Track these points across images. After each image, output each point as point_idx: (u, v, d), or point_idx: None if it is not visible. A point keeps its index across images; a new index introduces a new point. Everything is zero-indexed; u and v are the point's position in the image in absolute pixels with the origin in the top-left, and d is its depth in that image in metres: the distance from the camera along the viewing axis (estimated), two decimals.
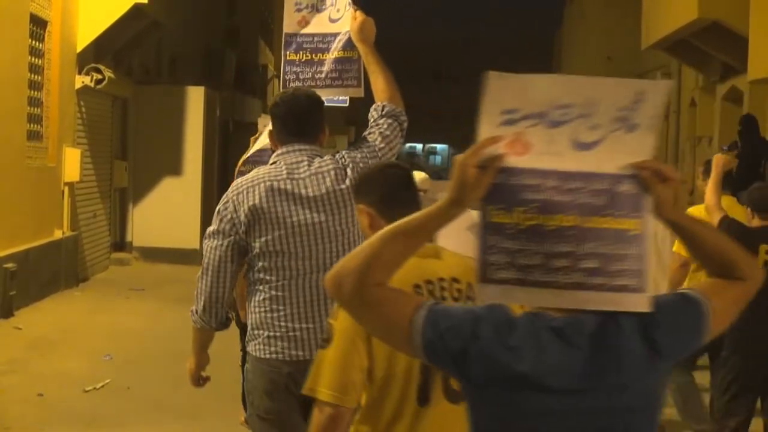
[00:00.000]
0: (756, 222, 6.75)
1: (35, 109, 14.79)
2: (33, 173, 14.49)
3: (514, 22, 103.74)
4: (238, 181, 4.49)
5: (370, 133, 4.44)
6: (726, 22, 13.83)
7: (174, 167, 19.91)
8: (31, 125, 14.60)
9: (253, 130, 8.92)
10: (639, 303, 2.39)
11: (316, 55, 4.42)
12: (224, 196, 4.52)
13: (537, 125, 2.37)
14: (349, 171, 4.25)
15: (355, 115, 36.47)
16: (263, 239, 4.34)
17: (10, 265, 13.04)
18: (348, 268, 2.44)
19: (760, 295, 4.81)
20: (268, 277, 4.41)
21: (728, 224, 6.59)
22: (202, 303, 4.58)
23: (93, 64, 16.58)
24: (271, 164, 4.45)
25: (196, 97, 20.25)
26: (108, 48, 17.43)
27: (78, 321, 13.19)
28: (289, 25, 4.58)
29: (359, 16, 4.36)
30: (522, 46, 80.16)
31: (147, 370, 10.29)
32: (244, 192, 4.37)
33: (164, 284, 16.71)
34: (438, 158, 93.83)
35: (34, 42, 14.65)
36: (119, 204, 19.86)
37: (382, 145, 4.35)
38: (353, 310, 2.54)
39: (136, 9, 16.47)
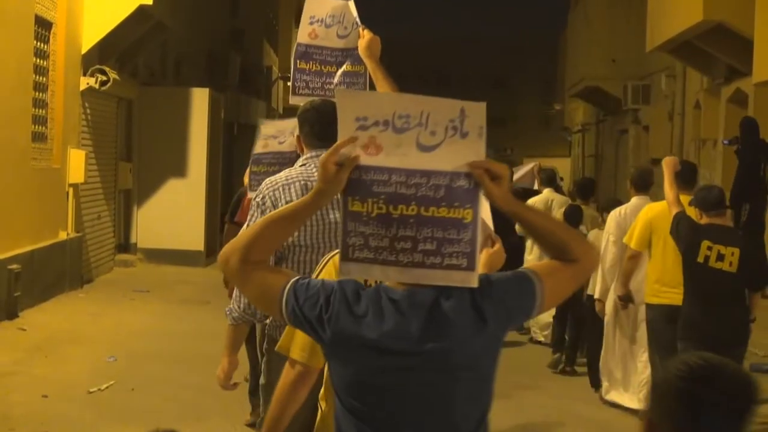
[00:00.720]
0: (704, 220, 7.40)
1: (40, 110, 14.82)
2: (37, 174, 14.51)
3: (519, 24, 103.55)
4: (271, 179, 4.69)
5: None
6: (731, 24, 13.83)
7: (178, 169, 19.94)
8: (36, 127, 14.63)
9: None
10: (467, 279, 2.85)
11: (324, 67, 4.74)
12: (258, 191, 4.71)
13: (385, 131, 2.82)
14: None
15: None
16: (296, 234, 4.47)
17: (14, 266, 13.05)
18: (234, 247, 2.91)
19: (700, 289, 6.01)
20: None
21: (679, 218, 7.39)
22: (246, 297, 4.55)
23: (98, 66, 16.61)
24: (301, 165, 4.67)
25: (200, 99, 20.29)
26: (113, 49, 17.47)
27: (82, 322, 13.20)
28: (302, 35, 4.81)
29: (367, 34, 4.68)
30: (527, 47, 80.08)
31: (151, 371, 10.29)
32: (280, 189, 4.59)
33: (169, 286, 16.76)
34: None
35: (38, 43, 14.68)
36: (124, 205, 19.89)
37: None
38: (238, 282, 3.02)
39: (140, 11, 16.51)
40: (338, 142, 2.82)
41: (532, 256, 11.64)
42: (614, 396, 9.37)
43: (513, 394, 9.45)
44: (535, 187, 14.05)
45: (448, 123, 2.82)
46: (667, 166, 7.79)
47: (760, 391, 2.47)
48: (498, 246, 3.53)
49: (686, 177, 8.21)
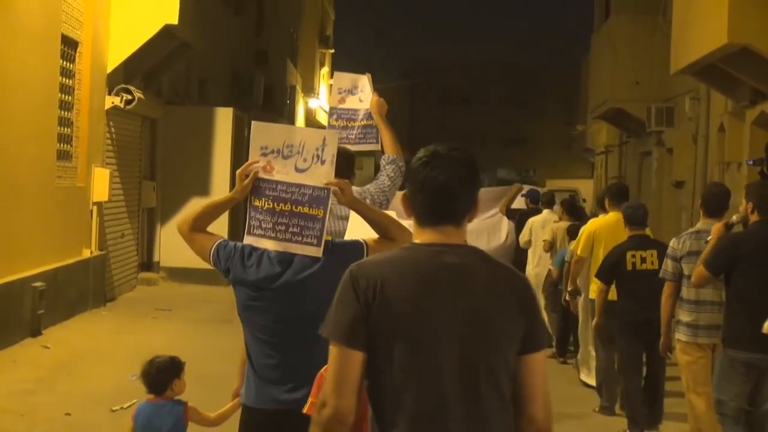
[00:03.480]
0: (628, 232, 9.34)
1: (65, 129, 14.90)
2: (62, 192, 14.58)
3: (542, 45, 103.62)
4: None
5: (380, 175, 5.96)
6: (756, 47, 13.74)
7: (202, 188, 19.97)
8: (61, 145, 14.71)
9: None
10: (316, 252, 4.56)
11: (349, 123, 6.16)
12: None
13: (277, 157, 4.60)
14: (368, 200, 5.62)
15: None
16: None
17: (38, 283, 13.11)
18: (185, 220, 4.77)
19: (633, 290, 9.04)
20: None
21: (602, 263, 9.48)
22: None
23: (123, 85, 16.66)
24: None
25: (224, 118, 20.35)
26: (138, 69, 17.54)
27: (105, 340, 13.24)
28: (332, 101, 6.31)
29: (376, 97, 6.12)
30: (550, 68, 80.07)
31: None
32: None
33: (191, 305, 16.77)
34: None
35: (65, 62, 14.77)
36: (147, 224, 19.95)
37: (389, 183, 5.92)
38: (188, 242, 4.74)
39: (166, 30, 16.58)
40: (247, 163, 4.63)
41: (539, 267, 13.43)
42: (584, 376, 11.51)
43: None
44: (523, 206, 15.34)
45: (314, 151, 4.56)
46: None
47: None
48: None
49: (619, 196, 10.56)
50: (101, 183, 15.87)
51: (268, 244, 4.58)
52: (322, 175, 4.56)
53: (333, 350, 3.26)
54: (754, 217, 7.41)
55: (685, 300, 8.02)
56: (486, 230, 13.96)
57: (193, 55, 20.57)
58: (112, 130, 17.07)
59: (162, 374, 5.91)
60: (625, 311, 9.21)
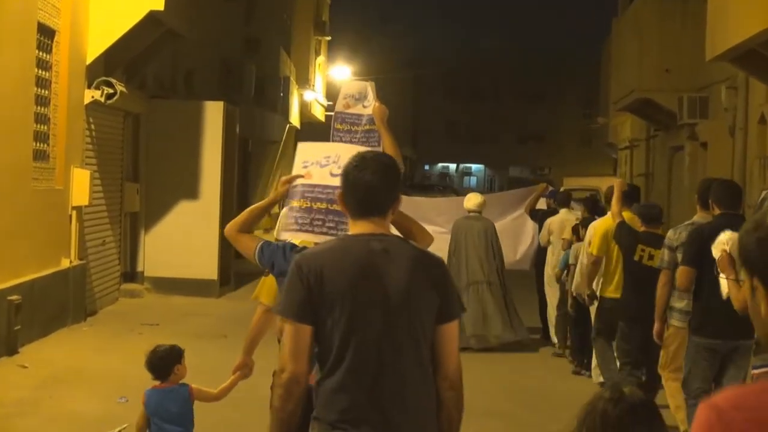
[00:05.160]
0: (642, 228, 10.58)
1: (41, 126, 14.87)
2: (39, 197, 14.57)
3: (559, 34, 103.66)
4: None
5: None
6: None
7: (190, 190, 19.99)
8: (37, 144, 14.68)
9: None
10: None
11: (353, 127, 6.89)
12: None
13: (315, 166, 5.84)
14: None
15: None
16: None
17: (14, 297, 13.09)
18: (235, 223, 5.91)
19: (636, 282, 10.44)
20: None
21: (620, 226, 10.67)
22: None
23: (103, 78, 16.60)
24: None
25: (214, 113, 20.28)
26: (119, 60, 17.46)
27: (89, 359, 13.23)
28: (338, 106, 7.02)
29: (378, 103, 6.82)
30: (567, 58, 79.98)
31: None
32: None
33: (180, 319, 16.73)
34: (473, 179, 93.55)
35: (41, 53, 14.74)
36: (130, 230, 19.90)
37: None
38: (234, 243, 5.97)
39: (150, 17, 16.50)
40: (290, 176, 5.94)
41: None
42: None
43: None
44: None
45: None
46: (618, 186, 11.27)
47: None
48: None
49: (629, 197, 11.64)
50: (81, 185, 15.84)
51: (305, 237, 5.70)
52: None
53: (287, 326, 4.45)
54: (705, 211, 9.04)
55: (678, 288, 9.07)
56: (512, 231, 15.83)
57: (179, 45, 20.51)
58: (92, 127, 17.02)
59: (164, 361, 7.12)
60: (627, 304, 10.56)
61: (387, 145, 6.70)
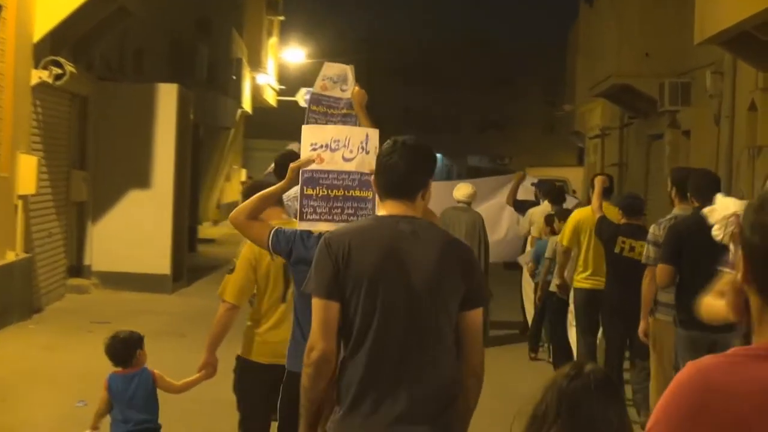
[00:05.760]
0: (623, 221, 11.02)
1: None
2: None
3: (521, 17, 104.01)
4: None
5: None
6: None
7: (142, 179, 19.70)
8: None
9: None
10: None
11: (330, 110, 6.99)
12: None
13: (326, 150, 5.73)
14: None
15: None
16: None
17: None
18: (241, 210, 5.84)
19: (618, 273, 10.95)
20: None
21: (601, 219, 11.16)
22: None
23: (51, 57, 16.24)
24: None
25: (168, 97, 19.97)
26: (66, 38, 17.14)
27: (39, 360, 12.94)
28: (316, 87, 7.09)
29: (357, 88, 6.97)
30: (529, 42, 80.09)
31: None
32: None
33: (132, 316, 16.39)
34: None
35: None
36: (76, 221, 19.55)
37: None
38: (243, 230, 5.90)
39: None
40: (300, 160, 5.75)
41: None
42: None
43: None
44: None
45: (359, 144, 5.70)
46: (599, 182, 11.81)
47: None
48: None
49: (606, 191, 12.08)
50: (28, 173, 15.52)
51: (325, 227, 5.51)
52: (367, 163, 5.68)
53: (317, 303, 4.66)
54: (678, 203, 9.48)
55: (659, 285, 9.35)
56: (488, 220, 15.19)
57: (128, 24, 20.13)
58: (39, 110, 16.66)
59: (126, 345, 7.28)
60: (610, 296, 11.06)
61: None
